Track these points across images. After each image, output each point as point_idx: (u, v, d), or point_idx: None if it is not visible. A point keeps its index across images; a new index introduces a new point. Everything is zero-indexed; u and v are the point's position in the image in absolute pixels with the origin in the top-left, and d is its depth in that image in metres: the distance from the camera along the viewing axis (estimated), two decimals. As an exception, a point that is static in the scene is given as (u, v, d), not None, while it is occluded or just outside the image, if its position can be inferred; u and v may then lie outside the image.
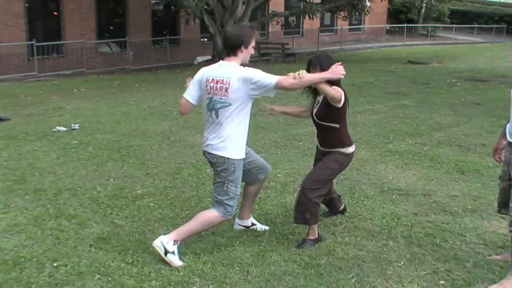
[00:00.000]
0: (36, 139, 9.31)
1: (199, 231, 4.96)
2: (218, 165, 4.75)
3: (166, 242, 4.71)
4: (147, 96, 14.36)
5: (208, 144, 4.81)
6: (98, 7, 23.21)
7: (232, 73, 4.66)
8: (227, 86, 4.64)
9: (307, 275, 4.61)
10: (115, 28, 24.31)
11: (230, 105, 4.65)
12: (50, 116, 11.58)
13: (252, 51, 4.90)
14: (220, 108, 4.69)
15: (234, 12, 22.91)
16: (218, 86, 4.69)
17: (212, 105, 4.74)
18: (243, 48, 4.75)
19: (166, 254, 4.69)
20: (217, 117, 4.72)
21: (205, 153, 4.87)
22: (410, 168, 7.75)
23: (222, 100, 4.67)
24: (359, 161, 8.02)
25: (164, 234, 4.83)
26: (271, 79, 4.59)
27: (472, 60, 24.93)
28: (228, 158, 4.71)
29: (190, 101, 4.94)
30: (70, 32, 22.11)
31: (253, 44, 4.83)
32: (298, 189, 5.08)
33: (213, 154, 4.77)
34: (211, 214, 4.84)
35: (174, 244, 4.73)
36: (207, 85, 4.77)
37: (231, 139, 4.71)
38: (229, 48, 4.79)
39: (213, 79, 4.74)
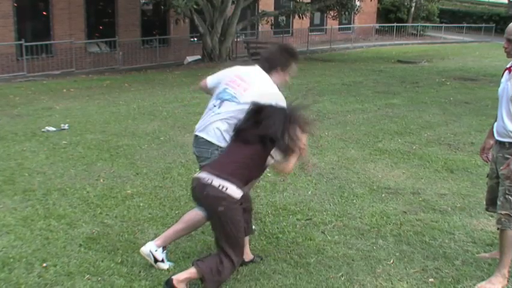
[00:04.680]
0: (25, 139, 9.27)
1: (186, 233, 4.92)
2: (202, 159, 4.67)
3: (154, 250, 4.68)
4: (137, 96, 14.33)
5: (196, 130, 4.73)
6: (87, 7, 23.11)
7: (260, 81, 4.58)
8: (247, 86, 4.57)
9: (297, 273, 4.63)
10: (104, 28, 24.24)
11: (237, 103, 4.53)
12: (39, 116, 11.52)
13: (287, 78, 4.78)
14: (226, 100, 4.59)
15: (224, 11, 22.91)
16: (239, 82, 4.62)
17: (221, 95, 4.64)
18: (279, 69, 4.67)
19: (155, 262, 4.68)
20: (219, 108, 4.62)
21: (194, 140, 4.78)
22: (399, 167, 7.78)
23: (234, 95, 4.57)
24: (348, 160, 8.06)
25: (152, 240, 4.81)
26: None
27: (461, 60, 25.01)
28: (211, 143, 4.58)
29: (207, 82, 4.88)
30: (59, 31, 22.02)
31: (290, 72, 4.74)
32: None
33: (199, 144, 4.68)
34: (197, 214, 4.80)
35: (163, 251, 4.72)
36: (231, 78, 4.70)
37: (219, 127, 4.56)
38: (266, 63, 4.72)
39: (239, 75, 4.68)
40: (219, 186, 3.99)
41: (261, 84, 4.60)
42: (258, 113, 4.24)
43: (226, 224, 4.04)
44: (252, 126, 4.22)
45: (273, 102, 4.29)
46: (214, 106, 4.68)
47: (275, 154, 4.17)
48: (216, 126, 4.56)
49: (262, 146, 4.15)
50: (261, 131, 4.15)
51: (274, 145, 4.14)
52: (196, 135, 4.72)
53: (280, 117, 4.17)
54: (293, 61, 4.79)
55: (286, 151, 4.17)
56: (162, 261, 4.69)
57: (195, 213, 4.79)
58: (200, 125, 4.72)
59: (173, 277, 4.07)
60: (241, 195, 4.07)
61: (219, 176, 4.04)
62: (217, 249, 4.17)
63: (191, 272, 4.10)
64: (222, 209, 4.00)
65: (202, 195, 4.09)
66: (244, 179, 4.17)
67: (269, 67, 4.69)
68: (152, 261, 4.67)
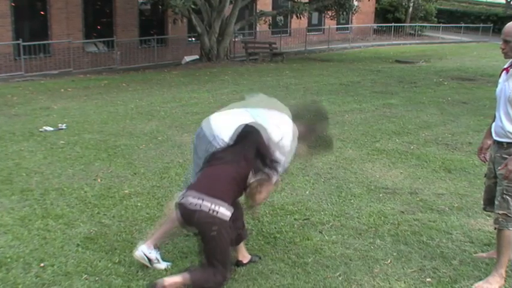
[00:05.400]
0: (23, 139, 9.26)
1: (176, 231, 4.86)
2: (199, 151, 4.66)
3: (148, 252, 4.67)
4: (134, 96, 14.32)
5: (208, 123, 4.72)
6: (85, 6, 23.12)
7: (282, 118, 4.65)
8: (270, 115, 4.62)
9: (295, 273, 4.63)
10: (102, 28, 24.24)
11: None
12: (37, 116, 11.52)
13: (305, 134, 4.80)
14: (249, 114, 4.64)
15: (222, 11, 22.91)
16: (267, 108, 4.71)
17: (250, 109, 4.69)
18: (303, 122, 4.73)
19: (151, 263, 4.67)
20: (240, 116, 4.61)
21: (199, 131, 4.77)
22: (397, 167, 7.78)
23: (257, 115, 4.60)
24: (346, 159, 8.06)
25: (143, 243, 4.79)
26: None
27: (459, 60, 25.04)
28: (211, 143, 4.55)
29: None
30: (57, 31, 22.01)
31: (311, 131, 4.79)
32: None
33: (200, 138, 4.68)
34: None
35: (156, 251, 4.71)
36: (263, 104, 4.79)
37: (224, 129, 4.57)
38: (297, 112, 4.79)
39: (270, 105, 4.77)
40: (209, 210, 3.91)
41: (281, 120, 4.62)
42: (242, 132, 4.27)
43: (219, 245, 3.97)
44: (235, 145, 4.25)
45: (264, 127, 4.31)
46: (232, 109, 4.76)
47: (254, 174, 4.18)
48: (227, 133, 4.54)
49: (244, 164, 4.15)
50: (242, 149, 4.18)
51: (253, 164, 4.15)
52: (202, 129, 4.71)
53: (263, 138, 4.21)
54: (319, 124, 4.91)
55: (264, 172, 4.18)
56: (157, 261, 4.69)
57: None
58: (214, 124, 4.67)
59: (164, 279, 4.03)
60: (231, 214, 4.03)
61: (207, 198, 3.97)
62: (206, 262, 4.06)
63: (179, 278, 4.02)
64: (214, 233, 3.93)
65: (192, 221, 4.00)
66: (233, 198, 4.13)
67: (296, 116, 4.74)
68: (147, 263, 4.67)
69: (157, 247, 4.73)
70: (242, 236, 4.63)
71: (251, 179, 4.16)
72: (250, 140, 4.19)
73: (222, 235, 3.95)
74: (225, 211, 3.96)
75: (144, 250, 4.68)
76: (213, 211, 3.91)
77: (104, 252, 4.99)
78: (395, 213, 6.01)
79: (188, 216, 4.00)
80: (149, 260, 4.66)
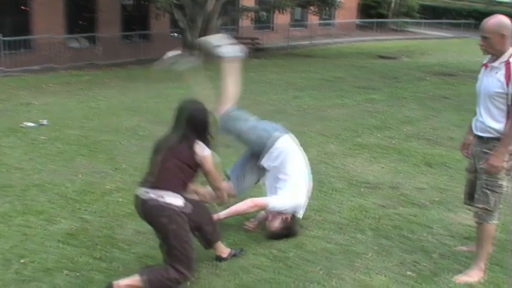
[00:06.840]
0: (3, 135, 9.18)
1: None
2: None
3: None
4: (117, 91, 14.25)
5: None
6: (66, 1, 22.93)
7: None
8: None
9: (276, 267, 4.64)
10: (84, 23, 24.05)
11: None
12: (18, 111, 11.43)
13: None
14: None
15: (204, 6, 22.83)
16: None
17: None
18: None
19: None
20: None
21: None
22: (379, 162, 7.82)
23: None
24: (327, 154, 8.09)
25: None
26: None
27: (441, 55, 25.16)
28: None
29: None
30: (39, 26, 21.81)
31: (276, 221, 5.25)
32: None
33: None
34: None
35: None
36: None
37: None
38: None
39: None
40: (157, 197, 4.05)
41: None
42: (180, 111, 4.60)
43: (172, 237, 4.02)
44: (176, 127, 4.48)
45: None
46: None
47: (202, 148, 4.27)
48: None
49: (185, 145, 4.26)
50: (181, 129, 4.40)
51: (193, 140, 4.27)
52: None
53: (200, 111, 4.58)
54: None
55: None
56: None
57: None
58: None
59: (114, 282, 4.02)
60: (183, 202, 4.12)
61: (154, 187, 4.12)
62: (165, 261, 4.12)
63: (134, 279, 4.02)
64: (165, 220, 4.01)
65: (145, 211, 4.15)
66: (181, 184, 4.21)
67: None
68: None
69: None
70: (215, 239, 4.68)
71: (202, 157, 4.22)
72: (187, 116, 4.47)
73: (174, 225, 4.02)
74: (172, 198, 4.06)
75: None
76: (160, 196, 4.05)
77: (85, 248, 4.97)
78: (376, 208, 6.04)
79: (142, 207, 4.15)
80: None
